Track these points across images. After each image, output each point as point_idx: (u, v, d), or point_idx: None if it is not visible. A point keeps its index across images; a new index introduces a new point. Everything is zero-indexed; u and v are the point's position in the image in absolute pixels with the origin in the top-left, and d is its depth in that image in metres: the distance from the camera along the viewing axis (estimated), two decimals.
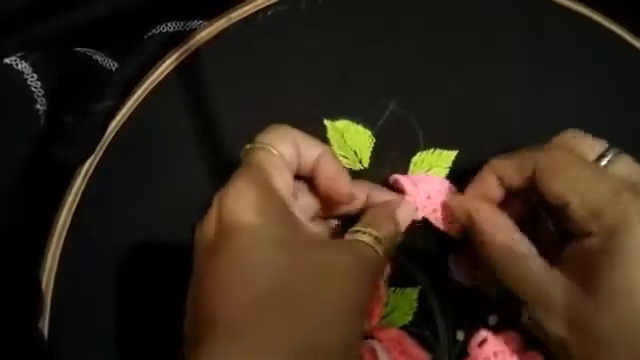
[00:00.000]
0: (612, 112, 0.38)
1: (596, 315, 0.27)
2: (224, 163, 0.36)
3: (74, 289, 0.35)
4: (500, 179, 0.32)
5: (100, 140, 0.37)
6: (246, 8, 0.38)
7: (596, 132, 0.37)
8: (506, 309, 0.32)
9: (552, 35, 0.39)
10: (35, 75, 0.36)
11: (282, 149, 0.30)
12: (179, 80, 0.37)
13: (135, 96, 0.37)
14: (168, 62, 0.38)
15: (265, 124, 0.33)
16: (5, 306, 0.34)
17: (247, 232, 0.27)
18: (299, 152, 0.31)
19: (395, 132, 0.37)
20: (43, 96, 0.36)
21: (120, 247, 0.35)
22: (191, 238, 0.31)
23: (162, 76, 0.38)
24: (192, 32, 0.39)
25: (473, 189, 0.33)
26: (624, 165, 0.30)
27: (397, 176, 0.35)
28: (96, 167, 0.36)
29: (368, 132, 0.37)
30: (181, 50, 0.38)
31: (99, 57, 0.39)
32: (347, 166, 0.36)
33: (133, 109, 0.37)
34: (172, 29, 0.40)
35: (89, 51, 0.39)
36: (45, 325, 0.34)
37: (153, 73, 0.38)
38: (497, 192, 0.32)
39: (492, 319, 0.34)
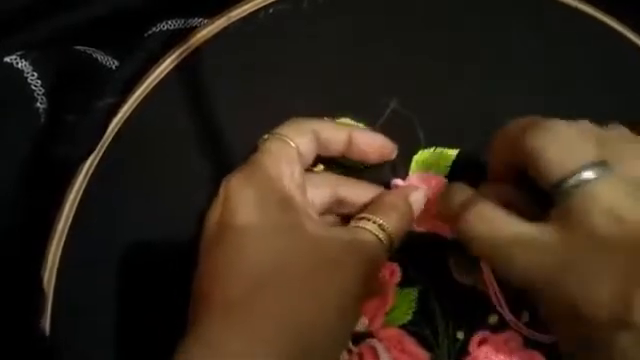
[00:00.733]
0: (614, 112, 0.37)
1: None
2: (225, 161, 0.36)
3: (75, 288, 0.35)
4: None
5: (101, 138, 0.37)
6: (247, 6, 0.38)
7: None
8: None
9: (552, 34, 0.39)
10: (35, 73, 0.36)
11: (299, 141, 0.31)
12: (180, 79, 0.37)
13: (136, 94, 0.37)
14: (169, 61, 0.38)
15: (266, 123, 0.33)
16: (6, 305, 0.34)
17: (248, 216, 0.28)
18: (324, 140, 0.32)
19: (396, 131, 0.37)
20: (43, 94, 0.36)
21: (121, 246, 0.35)
22: (193, 236, 0.31)
23: (163, 74, 0.38)
24: (192, 30, 0.38)
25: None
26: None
27: (397, 182, 0.35)
28: (97, 166, 0.36)
29: None
30: (182, 49, 0.38)
31: (99, 55, 0.39)
32: (347, 165, 0.36)
33: (134, 107, 0.37)
34: (172, 27, 0.40)
35: (89, 49, 0.39)
36: (46, 324, 0.34)
37: (154, 71, 0.37)
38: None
39: (492, 319, 0.34)
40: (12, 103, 0.36)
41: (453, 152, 0.36)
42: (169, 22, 0.40)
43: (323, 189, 0.33)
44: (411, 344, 0.34)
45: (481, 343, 0.34)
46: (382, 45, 0.38)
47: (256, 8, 0.39)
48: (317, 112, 0.36)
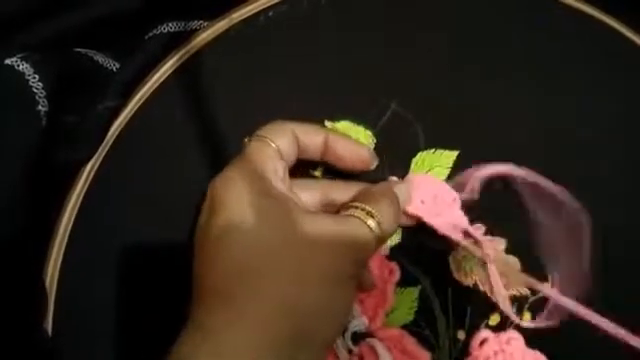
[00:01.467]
0: (613, 111, 0.38)
1: None
2: (225, 164, 0.36)
3: (77, 290, 0.35)
4: None
5: (102, 141, 0.37)
6: (247, 9, 0.38)
7: (597, 132, 0.37)
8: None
9: (553, 34, 0.39)
10: (37, 76, 0.36)
11: (279, 142, 0.32)
12: (180, 81, 0.38)
13: (137, 97, 0.37)
14: (169, 63, 0.38)
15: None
16: (9, 307, 0.34)
17: (233, 209, 0.28)
18: (302, 143, 0.33)
19: (396, 132, 0.37)
20: (45, 97, 0.36)
21: (122, 248, 0.35)
22: (193, 239, 0.31)
23: (163, 77, 0.38)
24: (193, 33, 0.39)
25: None
26: None
27: (394, 180, 0.35)
28: (98, 168, 0.36)
29: (369, 132, 0.37)
30: (182, 51, 0.38)
31: (100, 58, 0.39)
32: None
33: (135, 110, 0.37)
34: (173, 29, 0.40)
35: (90, 52, 0.39)
36: (49, 326, 0.34)
37: (154, 74, 0.38)
38: None
39: (493, 319, 0.34)
40: (13, 105, 0.36)
41: (453, 153, 0.36)
42: (170, 24, 0.40)
43: (313, 191, 0.33)
44: (412, 344, 0.34)
45: (482, 343, 0.34)
46: (382, 46, 0.38)
47: (256, 11, 0.39)
48: (317, 114, 0.37)
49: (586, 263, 0.34)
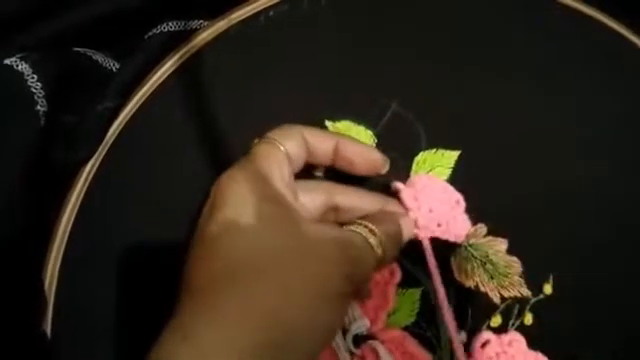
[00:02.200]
0: (613, 111, 0.38)
1: None
2: (225, 164, 0.36)
3: (77, 290, 0.35)
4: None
5: (102, 141, 0.37)
6: (247, 9, 0.38)
7: (597, 132, 0.37)
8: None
9: (553, 34, 0.39)
10: (35, 76, 0.36)
11: (288, 146, 0.32)
12: (180, 82, 0.37)
13: (136, 98, 0.37)
14: (169, 64, 0.38)
15: (267, 125, 0.33)
16: (8, 307, 0.34)
17: (231, 209, 0.28)
18: (311, 147, 0.32)
19: (397, 132, 0.37)
20: (43, 97, 0.36)
21: (122, 248, 0.35)
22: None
23: (163, 77, 0.37)
24: (193, 32, 0.38)
25: None
26: None
27: (399, 186, 0.35)
28: (98, 169, 0.36)
29: (370, 133, 0.37)
30: (182, 51, 0.38)
31: (99, 57, 0.39)
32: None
33: (134, 111, 0.37)
34: (173, 29, 0.40)
35: (89, 51, 0.39)
36: (48, 326, 0.34)
37: (154, 74, 0.37)
38: None
39: (494, 320, 0.34)
40: (12, 105, 0.36)
41: (454, 153, 0.36)
42: (169, 24, 0.40)
43: (317, 194, 0.33)
44: (413, 346, 0.34)
45: (484, 345, 0.34)
46: (382, 46, 0.38)
47: (256, 11, 0.38)
48: (318, 114, 0.37)
49: None
